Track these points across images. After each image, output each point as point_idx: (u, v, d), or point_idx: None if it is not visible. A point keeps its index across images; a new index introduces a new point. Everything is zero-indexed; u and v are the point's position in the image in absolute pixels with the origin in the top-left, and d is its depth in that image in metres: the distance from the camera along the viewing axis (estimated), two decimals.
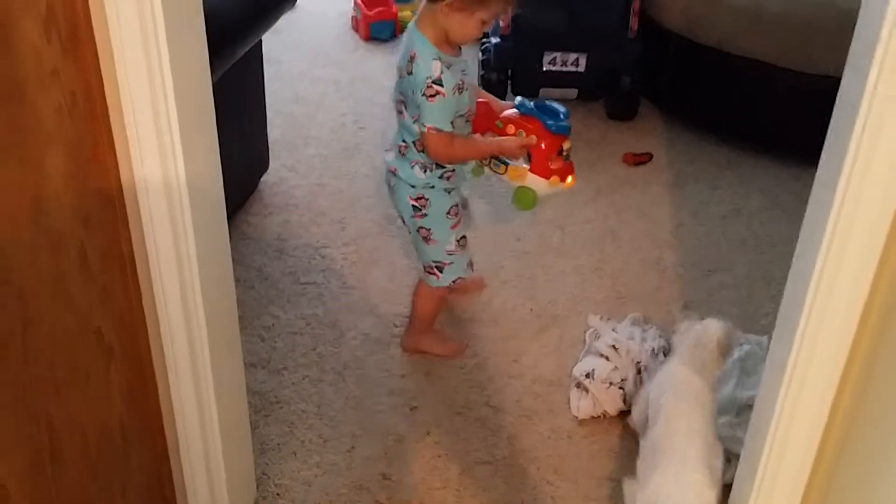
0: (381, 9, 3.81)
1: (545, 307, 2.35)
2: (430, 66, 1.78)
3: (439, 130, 1.82)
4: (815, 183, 1.31)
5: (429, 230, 1.99)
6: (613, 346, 2.11)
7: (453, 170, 1.95)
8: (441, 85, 1.78)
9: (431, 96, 1.79)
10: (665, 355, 2.13)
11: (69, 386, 1.25)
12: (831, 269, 1.24)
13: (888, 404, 1.23)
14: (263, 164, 2.76)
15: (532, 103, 1.96)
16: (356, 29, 3.89)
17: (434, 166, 1.92)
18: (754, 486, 1.45)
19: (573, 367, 2.13)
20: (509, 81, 3.17)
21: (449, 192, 1.97)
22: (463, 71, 1.86)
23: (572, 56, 3.10)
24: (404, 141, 1.92)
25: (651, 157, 3.05)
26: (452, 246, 2.02)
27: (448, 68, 1.80)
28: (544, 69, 3.11)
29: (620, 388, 2.03)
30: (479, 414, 2.03)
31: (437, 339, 2.20)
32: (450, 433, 1.98)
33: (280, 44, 3.75)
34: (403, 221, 2.04)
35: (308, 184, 2.82)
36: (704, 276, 2.50)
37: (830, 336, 1.30)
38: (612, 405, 2.02)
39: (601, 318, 2.29)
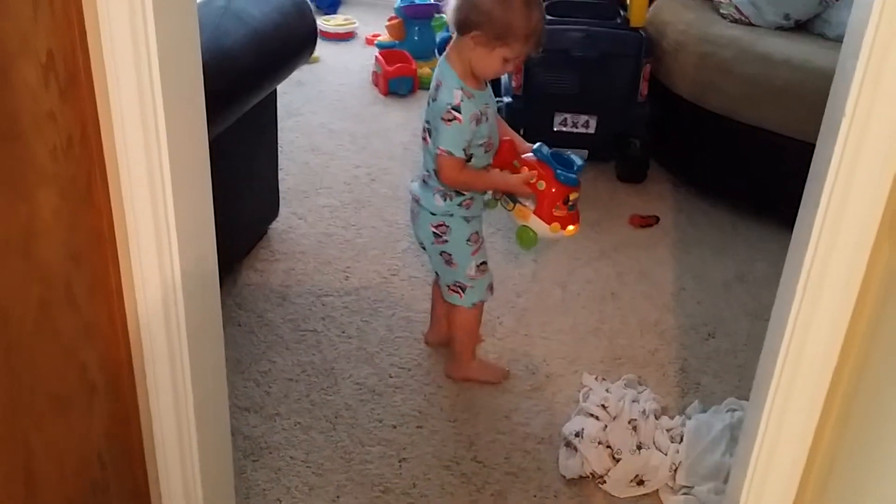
0: (400, 65, 3.89)
1: (539, 365, 2.36)
2: (451, 94, 1.91)
3: (450, 154, 1.93)
4: (789, 249, 1.33)
5: (450, 255, 2.10)
6: (603, 406, 2.11)
7: (472, 198, 2.05)
8: (459, 112, 1.90)
9: (448, 120, 1.91)
10: (657, 418, 2.13)
11: (50, 415, 1.29)
12: (801, 332, 1.26)
13: (857, 479, 1.23)
14: (273, 211, 2.81)
15: (549, 151, 2.04)
16: (376, 84, 3.98)
17: (454, 194, 2.03)
18: None
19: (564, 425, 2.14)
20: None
21: (468, 221, 2.08)
22: (486, 104, 1.97)
23: (583, 118, 3.15)
24: (427, 171, 2.04)
25: (657, 219, 3.07)
26: (472, 271, 2.12)
27: (469, 98, 1.91)
28: (555, 129, 3.16)
29: (608, 446, 2.03)
30: (466, 469, 2.03)
31: (481, 365, 2.30)
32: (436, 487, 1.98)
33: (302, 96, 3.85)
34: (424, 248, 2.15)
35: (316, 233, 2.87)
36: (703, 341, 2.50)
37: (800, 404, 1.31)
38: (600, 464, 2.02)
39: (596, 378, 2.29)
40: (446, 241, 2.08)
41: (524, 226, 2.06)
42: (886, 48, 1.06)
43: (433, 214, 2.07)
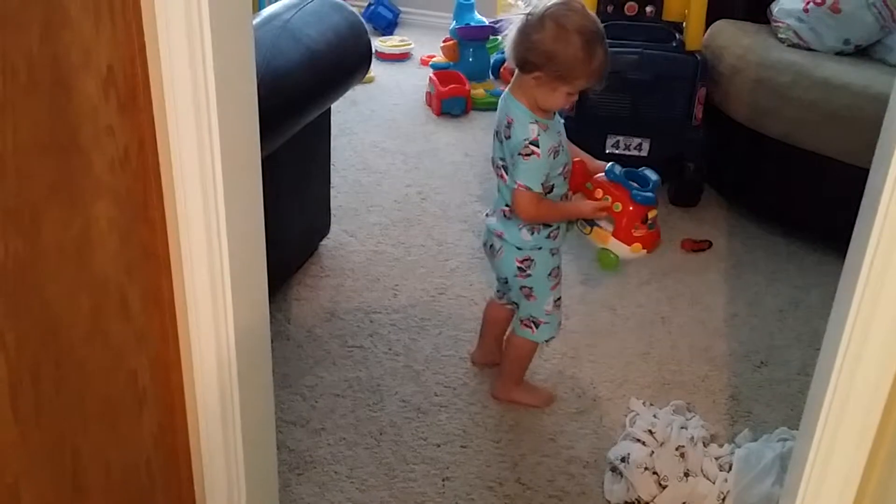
0: (454, 86, 3.91)
1: (586, 388, 2.34)
2: (527, 129, 1.88)
3: (528, 189, 1.90)
4: (842, 275, 1.31)
5: (530, 289, 2.09)
6: (650, 431, 2.08)
7: (557, 228, 2.04)
8: (537, 146, 1.87)
9: (527, 155, 1.88)
10: (705, 445, 2.09)
11: (98, 421, 1.31)
12: (851, 363, 1.23)
13: None
14: (324, 228, 2.84)
15: (622, 170, 2.02)
16: (429, 104, 4.00)
17: (541, 227, 2.01)
18: None
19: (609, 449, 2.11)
20: None
21: (553, 254, 2.08)
22: (559, 132, 1.95)
23: (635, 141, 3.13)
24: (507, 205, 2.01)
25: (710, 244, 3.04)
26: (550, 306, 2.12)
27: (545, 131, 1.89)
28: (607, 151, 3.15)
29: (655, 472, 2.00)
30: (509, 490, 2.02)
31: (528, 389, 2.28)
32: None
33: (356, 115, 3.89)
34: (505, 281, 2.13)
35: (366, 250, 2.89)
36: (755, 369, 2.46)
37: (850, 432, 1.28)
38: (646, 490, 1.99)
39: (643, 402, 2.27)
40: (529, 275, 2.06)
41: (604, 249, 2.05)
42: None
43: (519, 249, 2.04)
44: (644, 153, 3.14)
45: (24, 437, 1.14)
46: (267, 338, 1.62)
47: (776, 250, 3.03)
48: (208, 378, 1.50)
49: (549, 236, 2.03)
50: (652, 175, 2.04)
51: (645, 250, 2.03)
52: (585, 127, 3.14)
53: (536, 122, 1.88)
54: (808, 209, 3.01)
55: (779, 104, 2.98)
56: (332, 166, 2.84)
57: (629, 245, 2.01)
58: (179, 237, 1.39)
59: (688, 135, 3.14)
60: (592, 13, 1.88)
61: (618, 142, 3.14)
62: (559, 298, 2.14)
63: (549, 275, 2.08)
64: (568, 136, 3.14)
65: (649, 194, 1.99)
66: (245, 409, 1.55)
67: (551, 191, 1.97)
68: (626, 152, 3.15)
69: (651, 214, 2.01)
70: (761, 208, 3.18)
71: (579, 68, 1.82)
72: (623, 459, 2.03)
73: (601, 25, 1.85)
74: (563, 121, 2.00)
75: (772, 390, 2.37)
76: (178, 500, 1.59)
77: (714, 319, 2.66)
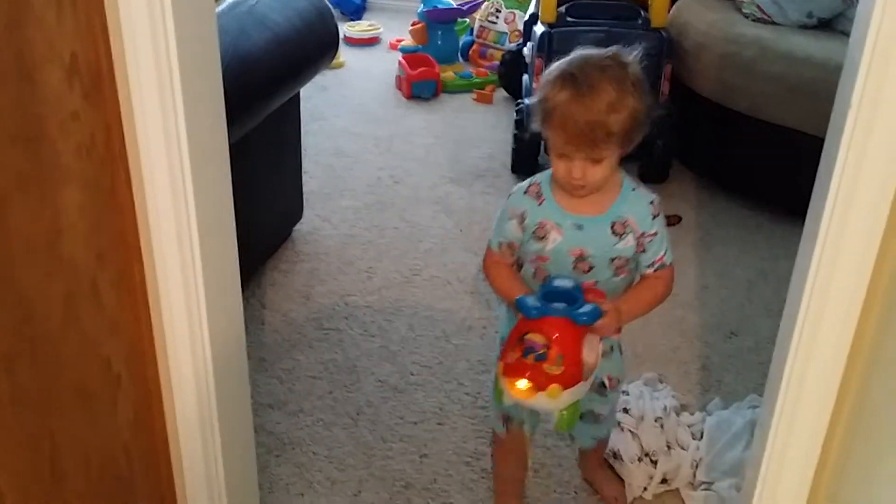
0: (423, 69, 3.93)
1: None
2: (521, 183, 1.60)
3: (489, 242, 1.64)
4: (801, 243, 1.34)
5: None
6: (625, 409, 2.10)
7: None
8: (508, 199, 1.60)
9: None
10: (677, 414, 2.13)
11: (74, 408, 1.32)
12: (812, 325, 1.27)
13: (872, 464, 1.24)
14: (297, 213, 2.85)
15: (539, 297, 1.45)
16: (399, 88, 4.02)
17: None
18: None
19: None
20: (542, 142, 3.24)
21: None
22: (558, 223, 1.53)
23: None
24: None
25: (680, 219, 3.07)
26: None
27: (529, 196, 1.55)
28: None
29: (645, 454, 2.00)
30: (486, 464, 2.05)
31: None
32: (457, 482, 2.00)
33: (326, 100, 3.89)
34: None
35: (339, 234, 2.90)
36: (726, 339, 2.50)
37: (812, 398, 1.31)
38: (643, 481, 1.97)
39: None
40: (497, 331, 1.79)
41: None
42: (891, 39, 1.07)
43: None
44: None
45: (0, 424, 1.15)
46: (241, 322, 1.64)
47: (745, 223, 3.07)
48: (183, 364, 1.51)
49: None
50: (566, 283, 1.47)
51: (508, 387, 1.42)
52: None
53: (536, 182, 1.56)
54: (775, 182, 3.05)
55: (744, 78, 3.02)
56: (303, 152, 2.85)
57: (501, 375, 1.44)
58: (149, 223, 1.40)
59: (655, 112, 3.16)
60: (584, 58, 1.46)
61: None
62: None
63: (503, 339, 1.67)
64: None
65: (534, 307, 1.41)
66: (221, 394, 1.56)
67: (520, 269, 1.64)
68: None
69: (530, 336, 1.41)
70: (730, 182, 3.23)
71: (544, 103, 1.45)
72: (615, 456, 2.02)
73: (578, 68, 1.43)
74: (582, 224, 1.53)
75: (742, 360, 2.42)
76: (158, 485, 1.61)
77: (685, 292, 2.70)
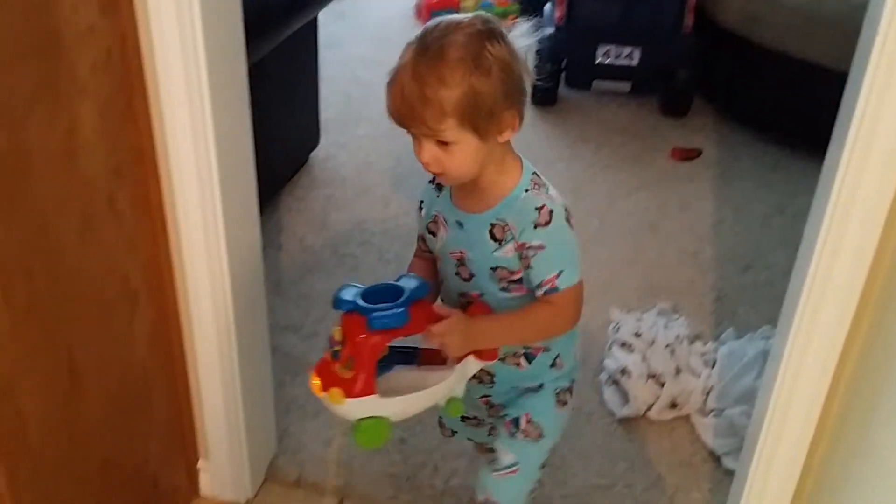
0: None
1: None
2: None
3: None
4: (821, 175, 1.33)
5: None
6: (636, 334, 2.12)
7: None
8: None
9: None
10: (691, 343, 2.14)
11: (92, 323, 1.34)
12: (827, 263, 1.26)
13: (880, 395, 1.25)
14: (314, 140, 2.85)
15: (357, 293, 1.28)
16: (419, 15, 3.96)
17: None
18: (751, 469, 1.48)
19: (599, 358, 2.15)
20: (563, 73, 3.21)
21: None
22: (439, 211, 1.37)
23: (626, 49, 3.12)
24: None
25: (700, 153, 3.05)
26: None
27: (432, 197, 1.41)
28: (598, 62, 3.14)
29: (652, 375, 2.02)
30: None
31: None
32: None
33: (344, 28, 3.85)
34: None
35: (356, 162, 2.90)
36: (741, 272, 2.50)
37: (826, 326, 1.31)
38: (650, 398, 2.00)
39: (622, 311, 2.29)
40: None
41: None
42: None
43: None
44: (634, 62, 3.12)
45: (17, 328, 1.17)
46: (258, 243, 1.65)
47: (764, 158, 3.04)
48: (200, 281, 1.52)
49: None
50: (410, 283, 1.28)
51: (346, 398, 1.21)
52: (576, 37, 3.14)
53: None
54: (796, 116, 3.00)
55: (768, 10, 2.96)
56: (320, 79, 2.83)
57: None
58: (166, 141, 1.40)
59: (678, 43, 3.12)
60: (447, 21, 1.23)
61: (608, 51, 3.12)
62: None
63: None
64: (557, 47, 3.14)
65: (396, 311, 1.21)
66: (238, 313, 1.58)
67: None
68: (617, 61, 3.13)
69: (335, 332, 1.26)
70: (751, 116, 3.19)
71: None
72: (623, 372, 2.05)
73: (433, 31, 1.21)
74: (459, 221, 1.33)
75: (756, 292, 2.42)
76: (174, 400, 1.64)
77: (702, 226, 2.69)
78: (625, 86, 3.22)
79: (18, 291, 1.16)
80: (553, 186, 1.31)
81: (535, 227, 1.25)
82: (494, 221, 1.28)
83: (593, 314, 2.31)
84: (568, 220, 1.28)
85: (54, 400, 1.28)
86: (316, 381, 1.25)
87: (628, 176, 2.90)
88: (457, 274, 1.35)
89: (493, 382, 1.40)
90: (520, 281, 1.30)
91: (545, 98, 3.26)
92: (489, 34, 1.20)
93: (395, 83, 1.22)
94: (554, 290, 1.26)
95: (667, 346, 2.10)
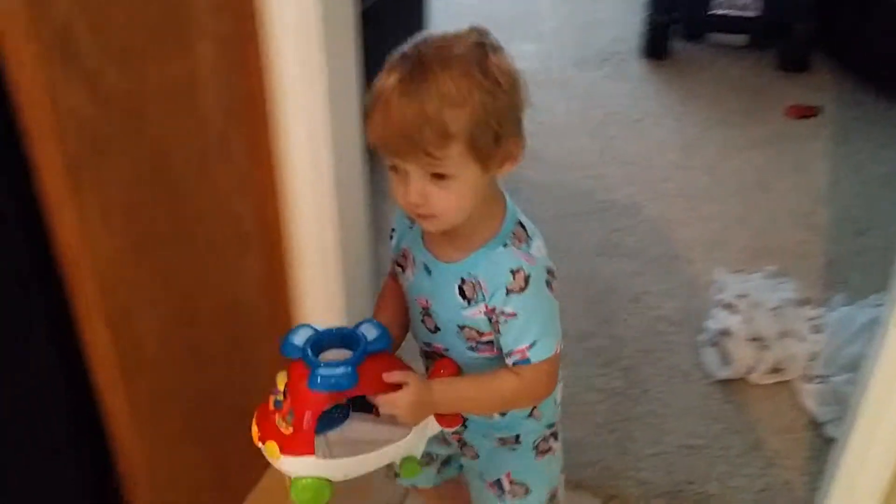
0: None
1: (680, 251, 2.34)
2: None
3: None
4: None
5: None
6: (741, 295, 2.07)
7: None
8: None
9: None
10: (798, 308, 2.08)
11: (206, 261, 1.39)
12: None
13: None
14: None
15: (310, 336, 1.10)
16: None
17: None
18: (851, 437, 1.44)
19: (700, 318, 2.11)
20: (673, 26, 3.12)
21: None
22: (409, 247, 1.18)
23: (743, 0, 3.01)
24: None
25: (818, 111, 2.93)
26: None
27: (405, 228, 1.20)
28: (712, 12, 3.04)
29: (755, 338, 1.98)
30: (599, 343, 2.06)
31: None
32: (567, 361, 2.02)
33: None
34: None
35: None
36: (855, 236, 2.41)
37: None
38: (750, 360, 1.97)
39: (730, 271, 2.23)
40: None
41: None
42: None
43: None
44: (752, 13, 3.01)
45: (138, 257, 1.22)
46: (365, 194, 1.66)
47: (886, 117, 2.92)
48: (308, 230, 1.55)
49: None
50: (372, 331, 1.10)
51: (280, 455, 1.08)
52: None
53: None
54: None
55: None
56: (429, 26, 2.83)
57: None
58: (279, 85, 1.42)
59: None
60: (432, 36, 1.05)
61: (724, 1, 3.02)
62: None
63: None
64: None
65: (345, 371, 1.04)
66: (345, 261, 1.60)
67: None
68: (733, 12, 3.03)
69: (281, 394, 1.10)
70: (872, 73, 3.05)
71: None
72: (725, 333, 2.01)
73: (417, 47, 1.04)
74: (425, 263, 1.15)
75: (870, 257, 2.33)
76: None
77: (816, 186, 2.60)
78: (741, 39, 3.11)
79: (140, 221, 1.21)
80: (539, 237, 1.11)
81: (508, 292, 1.05)
82: (466, 276, 1.09)
83: (697, 273, 2.27)
84: (549, 283, 1.08)
85: (171, 328, 1.34)
86: (255, 431, 1.12)
87: (741, 133, 2.81)
88: (423, 322, 1.18)
89: (464, 427, 1.23)
90: (491, 343, 1.13)
91: (656, 51, 3.18)
92: (490, 46, 1.02)
93: (377, 108, 1.01)
94: (524, 361, 1.08)
95: (772, 308, 2.05)
